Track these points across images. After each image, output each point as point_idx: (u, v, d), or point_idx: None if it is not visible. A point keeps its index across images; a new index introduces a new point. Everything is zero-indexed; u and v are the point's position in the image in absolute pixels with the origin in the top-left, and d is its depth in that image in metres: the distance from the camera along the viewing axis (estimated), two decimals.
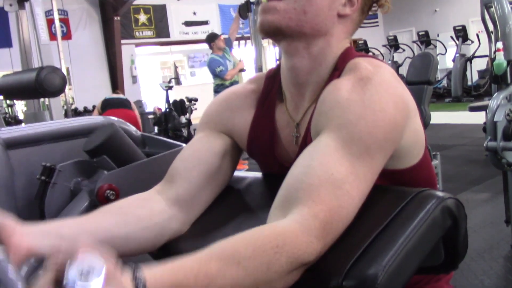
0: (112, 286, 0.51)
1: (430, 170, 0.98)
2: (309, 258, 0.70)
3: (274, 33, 0.93)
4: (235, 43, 7.12)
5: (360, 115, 0.79)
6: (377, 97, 0.80)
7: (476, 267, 2.75)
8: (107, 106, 7.26)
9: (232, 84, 5.96)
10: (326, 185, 0.74)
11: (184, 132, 8.25)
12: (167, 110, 8.44)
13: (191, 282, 0.61)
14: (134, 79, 12.32)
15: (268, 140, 1.01)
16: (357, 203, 0.76)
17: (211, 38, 6.26)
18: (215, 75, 6.10)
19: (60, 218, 1.33)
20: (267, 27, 0.92)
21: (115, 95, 8.20)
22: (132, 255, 0.92)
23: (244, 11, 6.27)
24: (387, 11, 1.01)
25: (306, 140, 0.91)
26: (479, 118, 5.59)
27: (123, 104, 7.44)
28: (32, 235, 0.77)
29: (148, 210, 0.94)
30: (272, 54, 7.54)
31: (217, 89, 6.10)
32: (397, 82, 0.87)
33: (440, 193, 0.77)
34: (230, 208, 1.01)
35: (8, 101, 8.95)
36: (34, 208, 1.39)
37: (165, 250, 0.95)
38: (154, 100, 11.95)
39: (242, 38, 9.08)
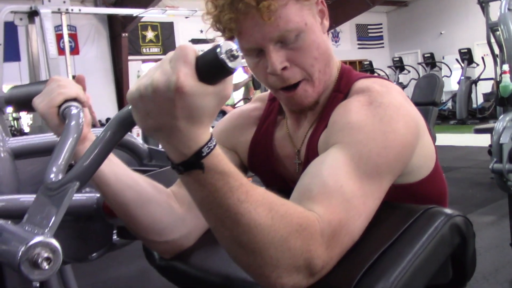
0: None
1: (441, 182, 0.97)
2: (316, 260, 0.68)
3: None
4: None
5: (371, 136, 0.79)
6: (388, 118, 0.81)
7: None
8: None
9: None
10: (337, 195, 0.73)
11: None
12: None
13: (235, 185, 0.64)
14: None
15: (266, 157, 1.03)
16: (364, 220, 0.75)
17: None
18: None
19: None
20: (302, 109, 0.96)
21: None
22: (140, 231, 0.91)
23: (258, 82, 6.35)
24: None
25: (308, 159, 0.91)
26: (484, 140, 5.58)
27: None
28: None
29: (165, 198, 0.93)
30: None
31: None
32: (407, 102, 0.87)
33: (448, 211, 0.77)
34: None
35: (14, 115, 9.00)
36: None
37: (172, 265, 0.94)
38: None
39: None
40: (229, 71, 0.58)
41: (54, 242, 0.56)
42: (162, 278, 0.99)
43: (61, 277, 2.12)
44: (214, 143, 0.63)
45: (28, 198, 1.02)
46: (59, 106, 0.84)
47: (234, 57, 0.58)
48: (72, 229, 1.43)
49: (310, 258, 0.68)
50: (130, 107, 0.65)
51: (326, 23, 0.93)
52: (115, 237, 1.40)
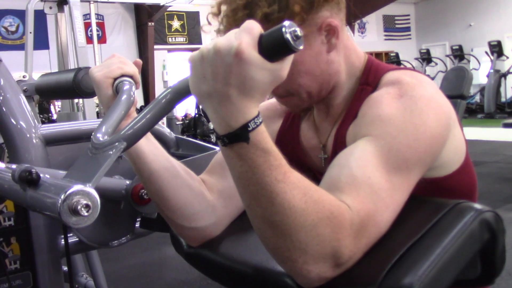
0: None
1: (471, 175, 0.96)
2: (343, 250, 0.68)
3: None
4: None
5: (401, 128, 0.79)
6: (419, 111, 0.80)
7: (506, 287, 2.68)
8: None
9: None
10: (365, 187, 0.73)
11: (213, 138, 8.31)
12: (196, 115, 8.52)
13: (275, 164, 0.65)
14: (165, 84, 12.48)
15: (293, 149, 1.03)
16: (391, 213, 0.75)
17: None
18: None
19: None
20: (296, 112, 1.03)
21: None
22: (171, 213, 0.93)
23: None
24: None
25: (336, 151, 0.90)
26: None
27: None
28: None
29: (197, 185, 0.95)
30: None
31: None
32: (438, 94, 0.86)
33: (478, 206, 0.76)
34: None
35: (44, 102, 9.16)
36: None
37: (199, 253, 0.96)
38: (184, 105, 12.08)
39: None
40: (291, 50, 0.61)
41: (94, 192, 0.58)
42: (186, 265, 1.00)
43: (88, 262, 2.17)
44: (260, 120, 0.65)
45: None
46: (115, 79, 0.88)
47: (297, 38, 0.60)
48: (98, 216, 1.45)
49: (337, 247, 0.68)
50: (187, 77, 0.68)
51: (335, 41, 0.90)
52: (137, 225, 1.43)
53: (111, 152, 0.66)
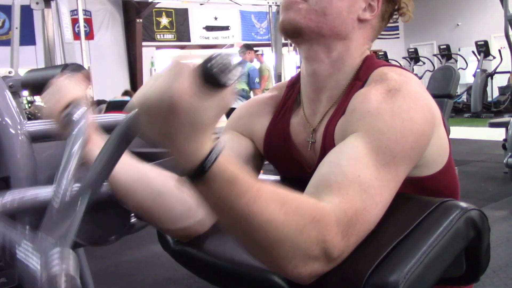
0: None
1: (453, 177, 0.97)
2: (332, 249, 0.69)
3: (294, 33, 0.95)
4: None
5: (389, 124, 0.79)
6: (406, 107, 0.81)
7: (491, 285, 2.71)
8: (110, 108, 6.96)
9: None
10: (354, 185, 0.74)
11: None
12: None
13: (243, 188, 0.63)
14: None
15: (283, 144, 1.03)
16: (380, 210, 0.76)
17: (250, 47, 6.52)
18: (252, 83, 6.29)
19: None
20: (287, 25, 0.94)
21: (120, 98, 7.86)
22: (154, 221, 0.92)
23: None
24: (408, 20, 1.02)
25: (325, 147, 0.92)
26: (498, 134, 5.53)
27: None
28: None
29: (175, 186, 0.92)
30: (291, 62, 7.60)
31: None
32: (424, 92, 0.87)
33: (464, 204, 0.77)
34: None
35: (28, 98, 9.08)
36: None
37: (185, 251, 0.95)
38: None
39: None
40: (223, 85, 0.56)
41: (72, 253, 0.57)
42: (173, 263, 1.00)
43: None
44: (218, 150, 0.61)
45: (44, 192, 1.02)
46: (63, 109, 0.83)
47: (227, 71, 0.55)
48: (87, 215, 1.44)
49: (326, 247, 0.68)
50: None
51: (373, 3, 0.95)
52: (133, 220, 1.41)
53: (77, 204, 0.63)
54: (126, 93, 8.54)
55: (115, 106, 6.91)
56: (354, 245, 0.72)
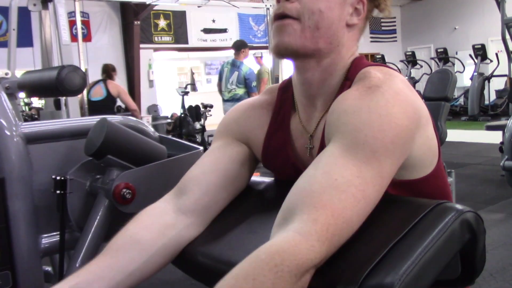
0: None
1: (444, 181, 0.97)
2: (313, 262, 0.69)
3: (290, 55, 0.94)
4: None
5: (365, 120, 0.79)
6: (383, 102, 0.80)
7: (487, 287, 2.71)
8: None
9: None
10: (329, 190, 0.74)
11: (198, 138, 8.28)
12: (182, 115, 8.49)
13: None
14: (151, 83, 12.41)
15: (283, 149, 1.02)
16: (364, 206, 0.75)
17: (244, 45, 6.37)
18: (249, 86, 6.20)
19: (86, 227, 1.34)
20: (283, 50, 0.92)
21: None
22: (151, 276, 0.92)
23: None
24: (388, 15, 1.02)
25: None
26: (495, 137, 5.54)
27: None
28: None
29: (161, 227, 0.93)
30: (289, 64, 7.58)
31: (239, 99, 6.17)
32: (408, 89, 0.86)
33: (459, 206, 0.77)
34: (244, 211, 1.01)
35: (26, 100, 9.05)
36: (51, 203, 1.40)
37: (181, 254, 0.95)
38: (169, 105, 12.02)
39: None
40: None
41: None
42: (170, 265, 0.99)
43: (70, 262, 2.14)
44: None
45: None
46: None
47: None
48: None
49: (305, 267, 0.68)
50: None
51: (359, 7, 0.95)
52: None
53: None
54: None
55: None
56: (338, 243, 0.72)
